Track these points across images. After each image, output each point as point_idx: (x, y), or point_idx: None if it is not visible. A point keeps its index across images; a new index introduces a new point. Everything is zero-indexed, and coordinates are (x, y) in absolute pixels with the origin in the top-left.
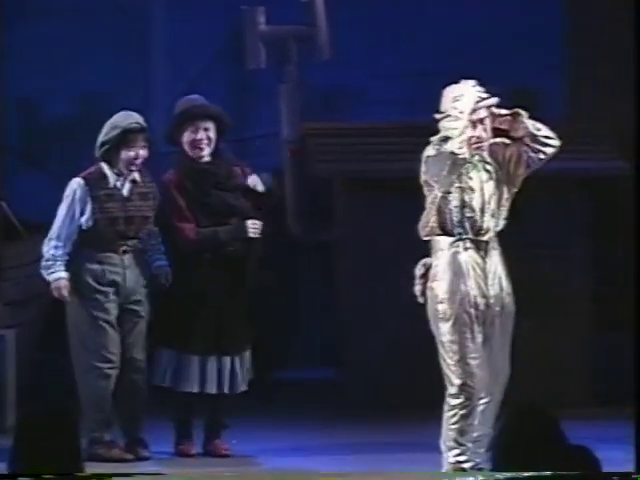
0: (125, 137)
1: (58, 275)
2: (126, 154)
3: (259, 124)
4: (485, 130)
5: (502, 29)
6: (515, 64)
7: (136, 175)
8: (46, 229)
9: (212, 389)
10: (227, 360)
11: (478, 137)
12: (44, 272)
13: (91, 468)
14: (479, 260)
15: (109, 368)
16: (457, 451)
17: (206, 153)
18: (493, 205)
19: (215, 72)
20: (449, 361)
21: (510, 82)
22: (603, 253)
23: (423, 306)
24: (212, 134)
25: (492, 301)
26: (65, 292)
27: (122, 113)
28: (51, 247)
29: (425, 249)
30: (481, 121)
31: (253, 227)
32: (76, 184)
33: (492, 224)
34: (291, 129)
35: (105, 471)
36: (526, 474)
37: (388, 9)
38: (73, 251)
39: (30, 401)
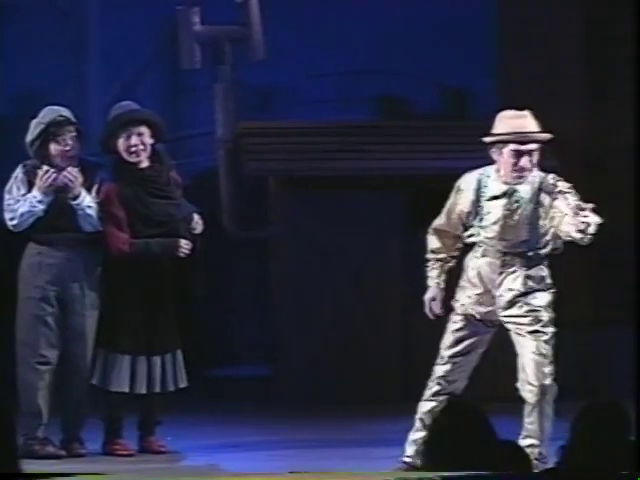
0: (51, 131)
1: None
2: (55, 148)
3: (194, 124)
4: (530, 161)
5: (435, 26)
6: (447, 62)
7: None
8: None
9: (142, 389)
10: (157, 359)
11: (522, 167)
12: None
13: (26, 465)
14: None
15: (39, 363)
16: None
17: (143, 158)
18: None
19: (150, 72)
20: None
21: (441, 80)
22: None
23: (357, 303)
24: (146, 139)
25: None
26: None
27: (46, 109)
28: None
29: (359, 247)
30: (530, 153)
31: (185, 247)
32: (17, 169)
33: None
34: (226, 128)
35: (41, 470)
36: (461, 473)
37: (320, 8)
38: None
39: None
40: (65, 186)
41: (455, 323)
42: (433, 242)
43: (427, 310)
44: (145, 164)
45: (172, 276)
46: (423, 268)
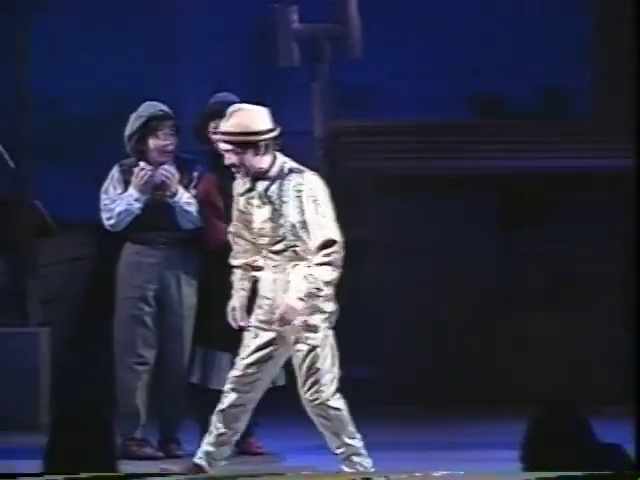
0: (150, 125)
1: None
2: (154, 142)
3: (290, 122)
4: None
5: (531, 24)
6: (544, 60)
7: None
8: (78, 228)
9: None
10: None
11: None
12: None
13: (123, 466)
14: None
15: (137, 363)
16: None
17: None
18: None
19: (247, 70)
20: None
21: (538, 79)
22: None
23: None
24: None
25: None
26: None
27: (146, 104)
28: None
29: (454, 247)
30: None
31: None
32: (113, 169)
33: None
34: (323, 127)
35: (136, 470)
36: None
37: (417, 6)
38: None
39: (64, 399)
40: (162, 184)
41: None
42: None
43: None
44: None
45: None
46: (517, 268)
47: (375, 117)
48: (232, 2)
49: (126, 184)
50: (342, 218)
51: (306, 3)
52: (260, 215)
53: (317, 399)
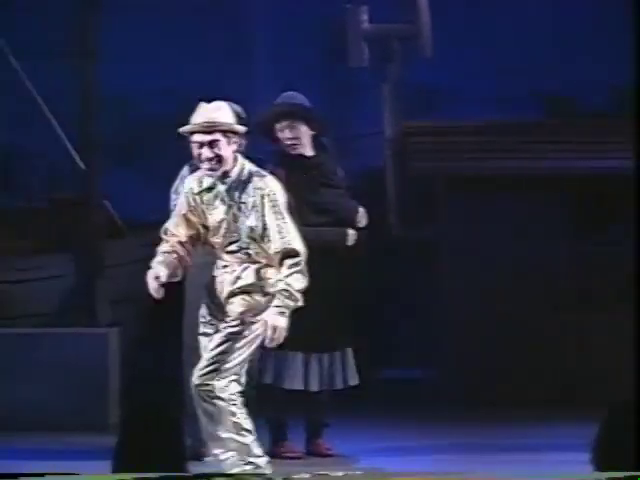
0: None
1: None
2: None
3: (360, 123)
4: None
5: (593, 25)
6: (613, 60)
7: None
8: (147, 228)
9: (315, 386)
10: (327, 357)
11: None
12: None
13: (193, 467)
14: None
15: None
16: None
17: (302, 150)
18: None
19: (317, 70)
20: None
21: (607, 78)
22: None
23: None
24: (304, 132)
25: None
26: None
27: None
28: None
29: (523, 248)
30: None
31: (353, 237)
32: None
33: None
34: (393, 128)
35: (208, 470)
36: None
37: (486, 6)
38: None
39: (134, 399)
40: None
41: None
42: None
43: None
44: (309, 153)
45: (342, 268)
46: (585, 269)
47: (445, 117)
48: (303, 2)
49: None
50: (412, 217)
51: (376, 3)
52: (217, 214)
53: (208, 385)
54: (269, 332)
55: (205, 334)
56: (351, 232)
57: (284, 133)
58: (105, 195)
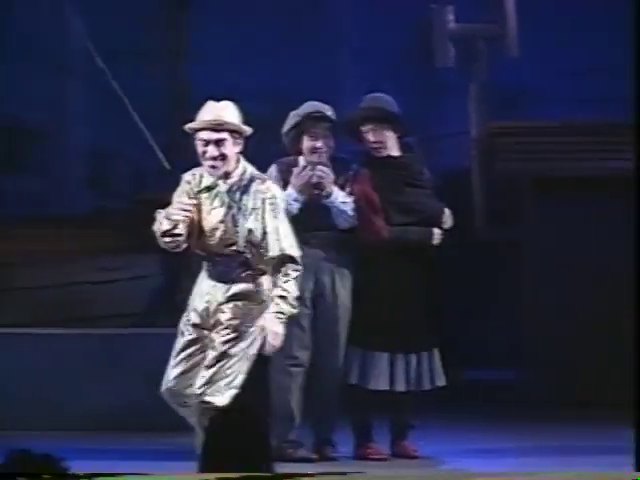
0: (305, 124)
1: None
2: (307, 142)
3: (446, 123)
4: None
5: None
6: None
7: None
8: None
9: (401, 387)
10: (413, 357)
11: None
12: None
13: (279, 468)
14: None
15: (292, 365)
16: None
17: (388, 152)
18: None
19: (403, 71)
20: None
21: None
22: None
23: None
24: (388, 135)
25: None
26: None
27: (307, 103)
28: None
29: (607, 248)
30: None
31: (439, 236)
32: (271, 168)
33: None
34: (479, 128)
35: (290, 471)
36: None
37: (570, 6)
38: None
39: None
40: (318, 184)
41: None
42: None
43: None
44: (396, 154)
45: (429, 268)
46: None
47: (532, 117)
48: (389, 3)
49: (285, 183)
50: (497, 218)
51: (462, 3)
52: (215, 216)
53: (209, 403)
54: (269, 338)
55: (183, 333)
56: (437, 231)
57: (369, 136)
58: None
